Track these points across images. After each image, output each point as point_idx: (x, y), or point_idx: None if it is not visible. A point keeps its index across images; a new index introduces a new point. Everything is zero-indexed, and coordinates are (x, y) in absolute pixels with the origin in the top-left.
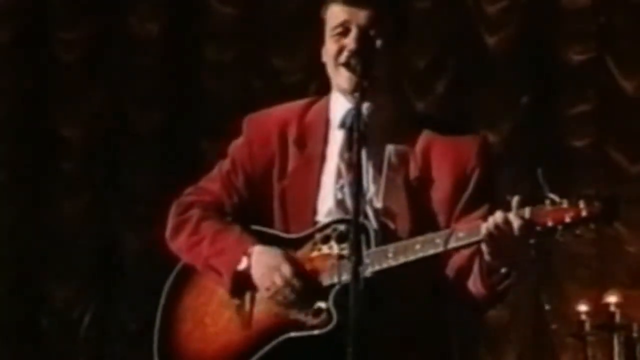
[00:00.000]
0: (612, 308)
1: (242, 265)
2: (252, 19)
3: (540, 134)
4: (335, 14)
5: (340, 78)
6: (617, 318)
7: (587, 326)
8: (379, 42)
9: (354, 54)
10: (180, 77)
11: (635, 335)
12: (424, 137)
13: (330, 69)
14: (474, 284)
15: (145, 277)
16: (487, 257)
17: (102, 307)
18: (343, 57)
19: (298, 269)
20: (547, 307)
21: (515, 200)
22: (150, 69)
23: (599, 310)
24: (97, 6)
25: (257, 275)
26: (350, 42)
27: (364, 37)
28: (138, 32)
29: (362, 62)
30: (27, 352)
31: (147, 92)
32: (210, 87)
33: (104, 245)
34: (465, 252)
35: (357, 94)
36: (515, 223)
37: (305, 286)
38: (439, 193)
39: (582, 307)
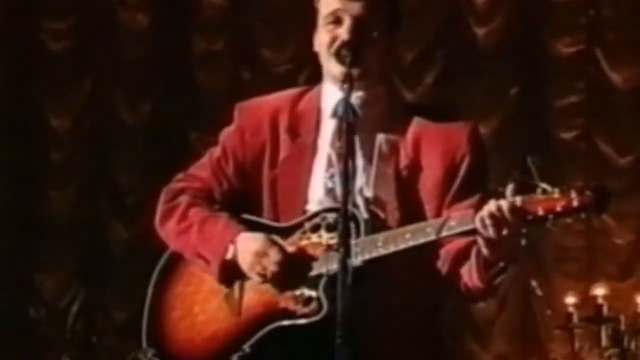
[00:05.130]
0: (600, 300)
1: (229, 254)
2: (241, 10)
3: (529, 125)
4: (328, 3)
5: (332, 68)
6: (605, 310)
7: (575, 318)
8: (372, 33)
9: (346, 44)
10: (169, 68)
11: (622, 327)
12: (414, 125)
13: (322, 58)
14: (470, 276)
15: (134, 268)
16: (483, 249)
17: (90, 297)
18: (334, 48)
19: (285, 252)
20: (539, 292)
21: (509, 188)
22: (139, 59)
23: (587, 302)
24: None
25: (244, 262)
26: (343, 32)
27: (357, 28)
28: (127, 23)
29: (353, 53)
30: (15, 342)
31: (135, 83)
32: (199, 78)
33: (92, 235)
34: (463, 239)
35: (346, 85)
36: (505, 206)
37: (297, 268)
38: (430, 181)
39: (570, 299)
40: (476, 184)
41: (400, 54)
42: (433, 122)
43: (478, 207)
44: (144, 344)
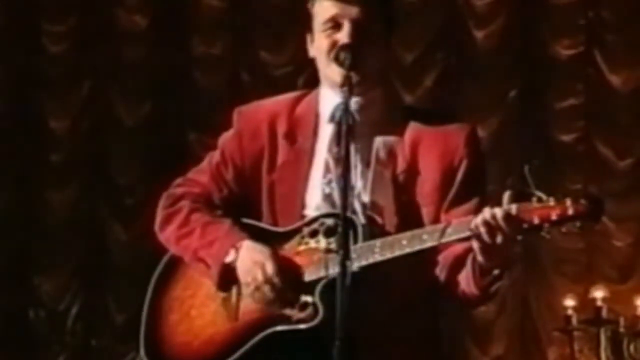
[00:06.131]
0: (599, 303)
1: (230, 257)
2: (240, 12)
3: (529, 128)
4: (325, 8)
5: (332, 72)
6: (604, 313)
7: (574, 321)
8: (370, 37)
9: (346, 47)
10: (168, 69)
11: (621, 330)
12: (412, 129)
13: (321, 63)
14: (467, 283)
15: (133, 270)
16: (478, 256)
17: (89, 300)
18: (335, 52)
19: (282, 267)
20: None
21: (506, 195)
22: (138, 61)
23: (586, 304)
24: None
25: (241, 269)
26: (343, 36)
27: (356, 31)
28: (126, 25)
29: (352, 55)
30: (14, 344)
31: (134, 84)
32: (198, 80)
33: (91, 237)
34: (461, 245)
35: (345, 89)
36: (499, 214)
37: (286, 285)
38: (427, 185)
39: (569, 302)
40: (474, 188)
41: (400, 56)
42: (431, 125)
43: (476, 212)
44: (142, 347)
